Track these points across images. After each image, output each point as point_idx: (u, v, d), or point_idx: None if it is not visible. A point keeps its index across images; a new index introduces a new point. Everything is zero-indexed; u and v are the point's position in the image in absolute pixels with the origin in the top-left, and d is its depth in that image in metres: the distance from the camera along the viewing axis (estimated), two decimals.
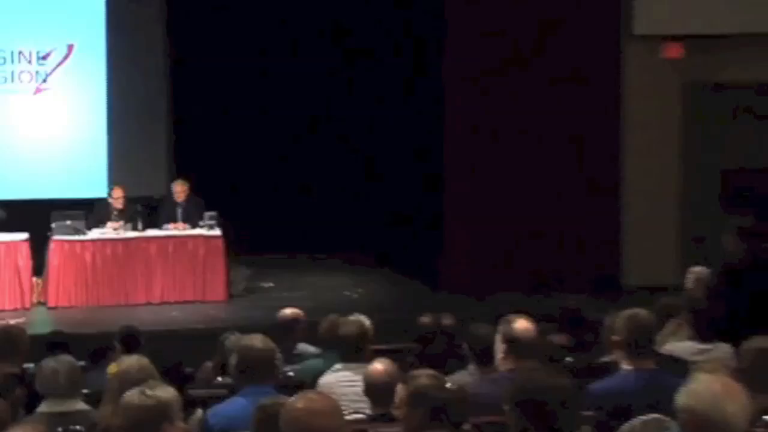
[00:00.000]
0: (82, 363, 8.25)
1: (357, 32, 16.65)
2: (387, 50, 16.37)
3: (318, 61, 16.58)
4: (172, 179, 15.18)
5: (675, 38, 15.12)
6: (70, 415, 6.08)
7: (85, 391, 6.52)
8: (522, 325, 6.46)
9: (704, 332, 7.67)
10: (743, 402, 3.93)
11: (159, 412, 4.63)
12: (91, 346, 8.97)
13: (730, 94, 15.04)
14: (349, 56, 16.80)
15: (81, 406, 6.25)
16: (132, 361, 5.98)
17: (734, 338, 7.11)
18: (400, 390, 5.15)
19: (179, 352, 9.09)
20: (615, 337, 6.40)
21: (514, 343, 6.41)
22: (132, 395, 4.73)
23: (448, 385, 5.25)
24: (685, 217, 15.28)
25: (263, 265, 15.55)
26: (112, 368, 5.99)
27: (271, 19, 16.43)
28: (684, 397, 3.98)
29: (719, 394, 3.90)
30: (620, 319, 6.39)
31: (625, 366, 6.26)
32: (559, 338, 7.39)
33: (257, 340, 6.28)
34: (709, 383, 3.96)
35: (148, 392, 4.69)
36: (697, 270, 10.12)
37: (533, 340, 6.43)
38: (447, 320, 8.40)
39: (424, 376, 5.19)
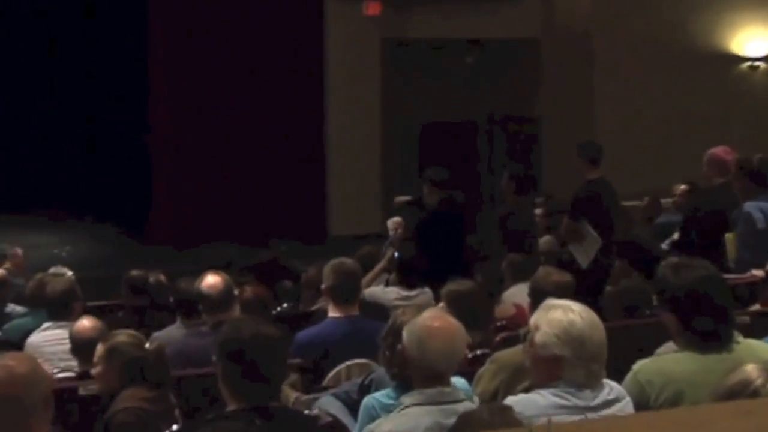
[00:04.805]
0: None
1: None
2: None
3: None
4: None
5: None
6: None
7: None
8: (210, 281, 6.38)
9: (410, 280, 7.87)
10: (449, 343, 4.11)
11: None
12: None
13: (424, 50, 15.34)
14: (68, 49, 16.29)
15: None
16: None
17: (433, 283, 7.32)
18: (99, 348, 5.04)
19: None
20: (323, 285, 6.43)
21: (208, 298, 6.34)
22: None
23: (147, 345, 5.13)
24: (387, 170, 15.52)
25: None
26: None
27: None
28: (405, 334, 4.17)
29: (425, 336, 4.10)
30: (327, 268, 6.42)
31: (332, 314, 6.29)
32: (257, 289, 7.34)
33: None
34: (422, 325, 4.14)
35: None
36: (396, 220, 10.30)
37: (228, 294, 6.37)
38: (156, 275, 8.26)
39: (123, 334, 5.10)
